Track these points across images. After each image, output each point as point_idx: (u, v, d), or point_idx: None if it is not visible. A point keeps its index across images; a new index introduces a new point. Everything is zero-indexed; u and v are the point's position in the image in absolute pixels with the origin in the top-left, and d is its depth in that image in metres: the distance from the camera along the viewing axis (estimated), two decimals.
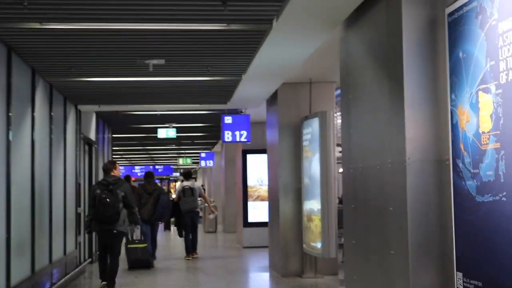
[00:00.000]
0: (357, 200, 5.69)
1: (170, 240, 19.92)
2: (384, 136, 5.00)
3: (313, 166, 9.31)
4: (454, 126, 4.08)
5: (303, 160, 9.81)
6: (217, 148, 24.63)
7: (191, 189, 12.95)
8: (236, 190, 18.59)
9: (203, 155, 24.90)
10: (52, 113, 9.27)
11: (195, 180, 49.41)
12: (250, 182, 15.48)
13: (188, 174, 13.63)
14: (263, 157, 15.30)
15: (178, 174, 46.13)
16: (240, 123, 12.80)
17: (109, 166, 8.88)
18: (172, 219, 13.54)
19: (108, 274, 8.58)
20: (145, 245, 11.28)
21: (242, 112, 13.46)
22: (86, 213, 10.81)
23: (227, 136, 12.81)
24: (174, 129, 14.02)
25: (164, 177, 47.94)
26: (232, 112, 13.22)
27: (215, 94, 10.63)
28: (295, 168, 10.21)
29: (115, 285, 8.64)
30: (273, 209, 10.95)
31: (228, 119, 12.75)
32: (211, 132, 18.82)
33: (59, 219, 9.69)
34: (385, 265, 4.94)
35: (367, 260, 5.42)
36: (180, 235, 13.01)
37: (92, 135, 13.02)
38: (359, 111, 5.72)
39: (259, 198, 15.45)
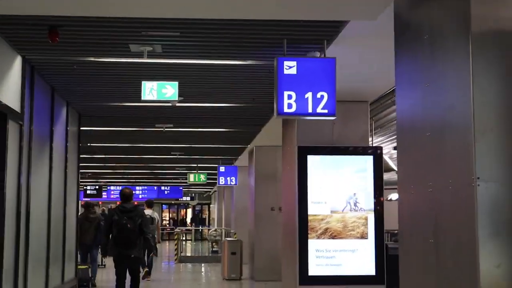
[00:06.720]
0: None
1: None
2: None
3: None
4: None
5: None
6: (242, 161, 17.94)
7: (152, 218, 14.09)
8: (276, 218, 12.07)
9: (222, 169, 18.20)
10: None
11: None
12: (313, 207, 8.68)
13: (150, 203, 15.34)
14: (342, 162, 8.67)
15: (189, 198, 39.29)
16: (312, 74, 6.13)
17: (130, 193, 9.08)
18: None
19: None
20: (86, 267, 12.25)
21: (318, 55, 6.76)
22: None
23: (287, 102, 6.13)
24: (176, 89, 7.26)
25: (173, 201, 36.58)
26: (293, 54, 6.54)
27: None
28: None
29: None
30: (432, 267, 4.18)
31: (289, 66, 6.08)
32: (239, 126, 12.20)
33: None
34: None
35: None
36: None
37: (11, 98, 6.40)
38: None
39: (327, 234, 8.67)
